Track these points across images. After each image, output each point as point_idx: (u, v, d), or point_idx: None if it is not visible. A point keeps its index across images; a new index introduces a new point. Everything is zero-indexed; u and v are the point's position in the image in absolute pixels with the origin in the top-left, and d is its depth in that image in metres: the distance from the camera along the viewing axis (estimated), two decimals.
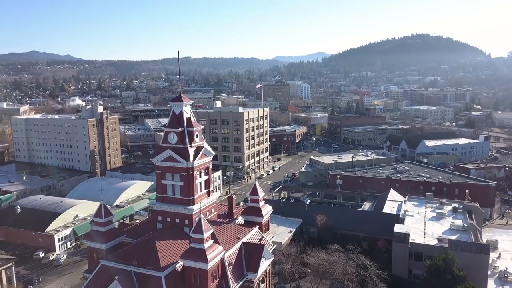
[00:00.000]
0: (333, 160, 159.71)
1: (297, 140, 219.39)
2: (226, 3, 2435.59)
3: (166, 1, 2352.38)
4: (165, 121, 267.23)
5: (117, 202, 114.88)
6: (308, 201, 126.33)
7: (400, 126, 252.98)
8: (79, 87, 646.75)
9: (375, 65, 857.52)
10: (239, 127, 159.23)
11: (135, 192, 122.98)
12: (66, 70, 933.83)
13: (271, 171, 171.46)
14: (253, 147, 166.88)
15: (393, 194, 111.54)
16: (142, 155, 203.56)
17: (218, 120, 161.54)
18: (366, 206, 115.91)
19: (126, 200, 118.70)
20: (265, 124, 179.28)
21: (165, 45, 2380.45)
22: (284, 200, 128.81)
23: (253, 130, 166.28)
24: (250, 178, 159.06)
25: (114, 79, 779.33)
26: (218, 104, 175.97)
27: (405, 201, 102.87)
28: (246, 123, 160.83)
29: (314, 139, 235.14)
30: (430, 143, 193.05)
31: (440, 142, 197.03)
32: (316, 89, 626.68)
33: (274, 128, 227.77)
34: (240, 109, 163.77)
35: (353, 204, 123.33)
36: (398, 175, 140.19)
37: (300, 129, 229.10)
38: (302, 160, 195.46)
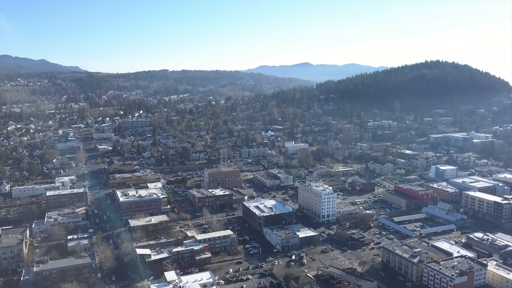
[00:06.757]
0: None
1: None
2: (207, 14, 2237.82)
3: (146, 11, 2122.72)
4: None
5: None
6: None
7: None
8: None
9: (393, 107, 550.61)
10: None
11: None
12: None
13: None
14: None
15: None
16: None
17: None
18: None
19: None
20: None
21: (138, 57, 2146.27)
22: None
23: None
24: None
25: None
26: None
27: None
28: None
29: None
30: None
31: None
32: None
33: None
34: None
35: None
36: None
37: None
38: None
